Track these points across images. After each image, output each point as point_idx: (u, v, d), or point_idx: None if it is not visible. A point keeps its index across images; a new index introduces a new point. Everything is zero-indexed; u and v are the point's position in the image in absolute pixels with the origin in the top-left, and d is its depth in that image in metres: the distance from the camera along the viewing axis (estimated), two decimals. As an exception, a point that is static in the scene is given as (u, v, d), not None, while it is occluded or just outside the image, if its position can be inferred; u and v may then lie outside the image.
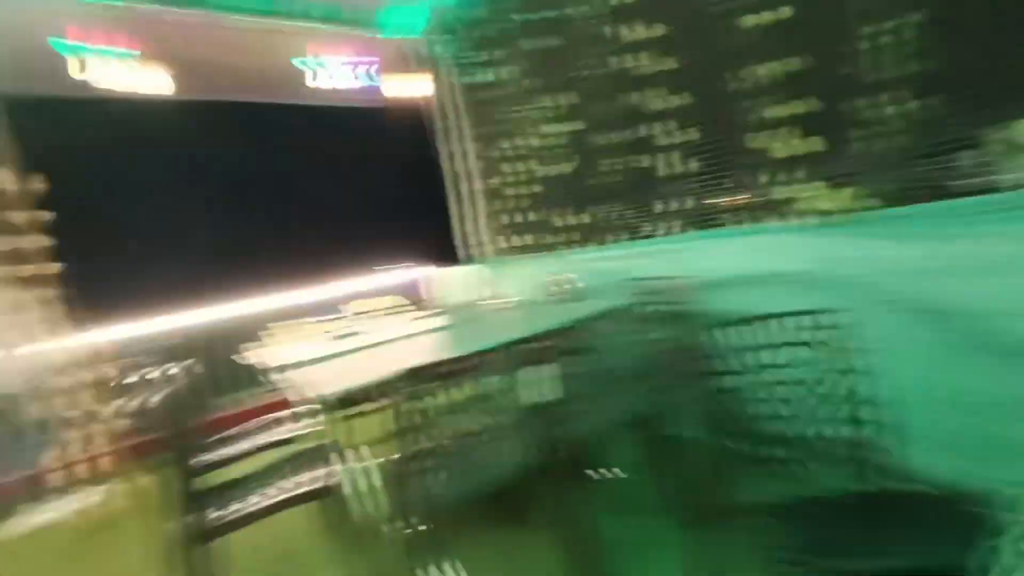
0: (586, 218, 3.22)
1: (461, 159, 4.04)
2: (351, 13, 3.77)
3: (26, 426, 2.69)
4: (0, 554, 2.47)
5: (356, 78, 3.72)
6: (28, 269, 2.68)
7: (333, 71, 3.59)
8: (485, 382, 1.45)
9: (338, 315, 4.15)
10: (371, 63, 3.80)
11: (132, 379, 3.75)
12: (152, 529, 2.48)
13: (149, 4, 3.11)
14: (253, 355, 4.05)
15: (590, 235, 3.22)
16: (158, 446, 1.46)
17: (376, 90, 4.71)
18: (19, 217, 2.65)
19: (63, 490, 2.80)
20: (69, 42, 2.90)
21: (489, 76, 3.65)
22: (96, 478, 2.75)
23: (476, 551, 1.80)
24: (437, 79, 4.05)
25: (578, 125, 3.26)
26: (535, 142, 3.43)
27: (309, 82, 3.62)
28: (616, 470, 2.14)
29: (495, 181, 3.80)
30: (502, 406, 1.51)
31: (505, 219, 3.75)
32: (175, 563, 1.41)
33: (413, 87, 3.71)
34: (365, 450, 2.77)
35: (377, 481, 1.96)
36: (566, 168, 3.32)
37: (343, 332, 2.76)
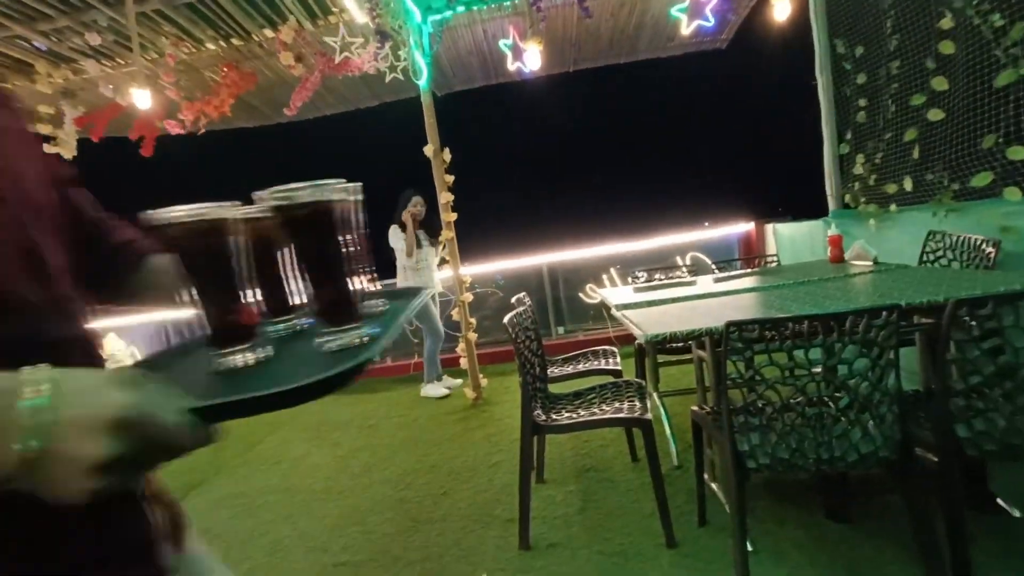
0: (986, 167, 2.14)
1: (830, 97, 3.31)
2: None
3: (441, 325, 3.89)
4: (422, 405, 3.72)
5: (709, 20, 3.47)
6: (445, 218, 3.74)
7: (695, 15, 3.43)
8: (837, 352, 1.22)
9: (674, 264, 4.22)
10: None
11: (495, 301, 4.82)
12: (501, 413, 3.27)
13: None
14: (595, 293, 4.58)
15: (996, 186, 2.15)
16: (510, 355, 1.87)
17: (721, 29, 4.33)
18: (448, 179, 3.70)
19: (459, 373, 3.97)
20: (509, 41, 3.74)
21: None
22: (474, 370, 3.76)
23: (776, 527, 1.61)
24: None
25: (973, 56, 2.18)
26: (925, 80, 2.45)
27: (684, 31, 3.58)
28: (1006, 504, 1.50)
29: (868, 124, 2.95)
30: (856, 383, 1.24)
31: (879, 167, 2.89)
32: (519, 446, 1.80)
33: (776, 15, 3.19)
34: (676, 397, 2.82)
35: (678, 426, 1.97)
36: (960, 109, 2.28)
37: (673, 281, 2.79)
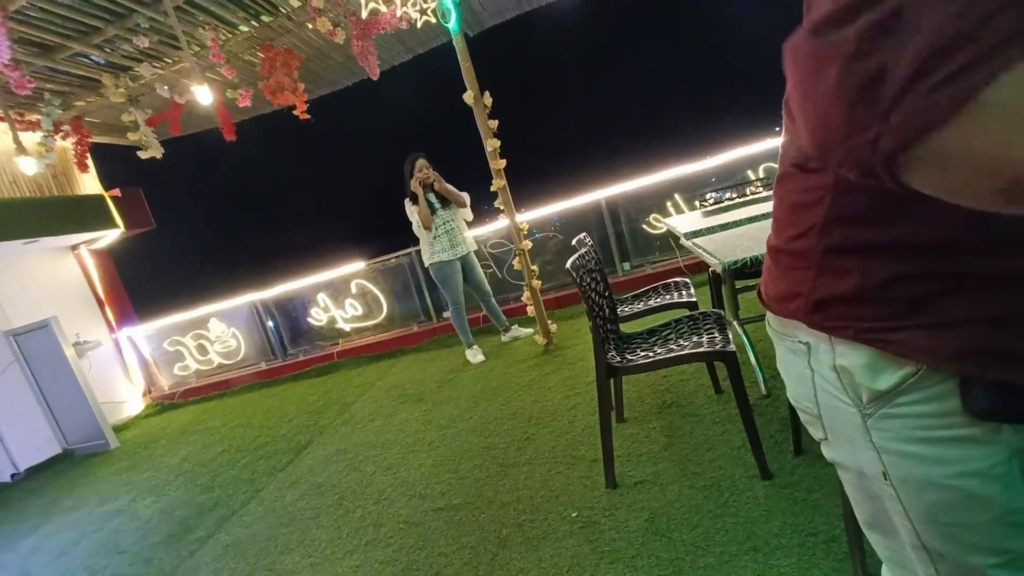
0: None
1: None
2: None
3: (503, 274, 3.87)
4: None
5: None
6: (495, 164, 3.63)
7: None
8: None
9: (746, 180, 3.88)
10: None
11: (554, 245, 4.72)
12: (576, 357, 3.27)
13: None
14: (660, 223, 4.35)
15: None
16: (576, 298, 1.81)
17: None
18: (492, 125, 3.56)
19: (527, 321, 3.99)
20: None
21: None
22: (539, 317, 3.75)
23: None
24: None
25: None
26: None
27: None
28: None
29: None
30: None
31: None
32: (601, 386, 1.77)
33: None
34: (760, 323, 2.66)
35: (764, 353, 1.83)
36: None
37: (747, 198, 2.56)
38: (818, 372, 0.55)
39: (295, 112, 4.19)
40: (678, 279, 2.49)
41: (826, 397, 0.55)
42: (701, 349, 1.66)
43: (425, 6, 3.55)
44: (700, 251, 1.71)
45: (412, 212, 3.66)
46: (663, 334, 1.93)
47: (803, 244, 0.53)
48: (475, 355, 3.85)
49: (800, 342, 0.57)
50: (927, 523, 0.50)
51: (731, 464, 1.74)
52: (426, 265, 3.78)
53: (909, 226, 0.44)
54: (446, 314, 5.09)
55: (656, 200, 4.53)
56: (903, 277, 0.46)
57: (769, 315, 0.64)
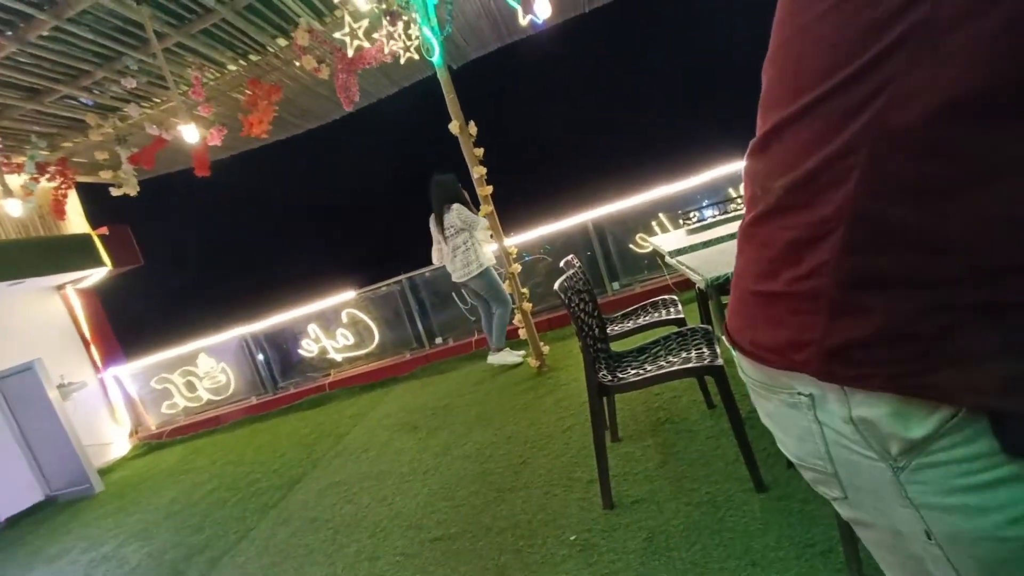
0: None
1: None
2: None
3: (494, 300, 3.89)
4: (488, 381, 3.80)
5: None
6: (483, 191, 3.69)
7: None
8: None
9: (728, 198, 3.97)
10: None
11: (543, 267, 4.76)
12: (568, 379, 3.27)
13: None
14: (646, 242, 4.41)
15: None
16: (567, 319, 1.84)
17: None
18: (477, 153, 3.64)
19: (518, 345, 4.00)
20: None
21: None
22: (531, 339, 3.77)
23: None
24: None
25: None
26: None
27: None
28: None
29: None
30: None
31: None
32: (589, 408, 1.78)
33: None
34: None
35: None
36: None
37: (729, 215, 2.63)
38: (829, 426, 0.49)
39: (259, 133, 4.21)
40: (666, 297, 2.53)
41: (843, 452, 0.49)
42: (690, 365, 1.68)
43: (409, 43, 3.67)
44: (685, 268, 1.75)
45: (476, 218, 3.66)
46: (653, 351, 1.95)
47: (812, 285, 0.47)
48: (510, 355, 3.96)
49: (801, 394, 0.50)
50: None
51: (726, 478, 1.74)
52: (486, 268, 3.75)
53: (938, 251, 0.41)
54: (438, 340, 5.08)
55: (642, 220, 4.62)
56: (934, 310, 0.41)
57: (746, 365, 0.57)
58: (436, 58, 3.42)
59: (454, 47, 4.66)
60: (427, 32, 3.37)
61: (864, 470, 0.47)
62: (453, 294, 4.82)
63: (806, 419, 0.51)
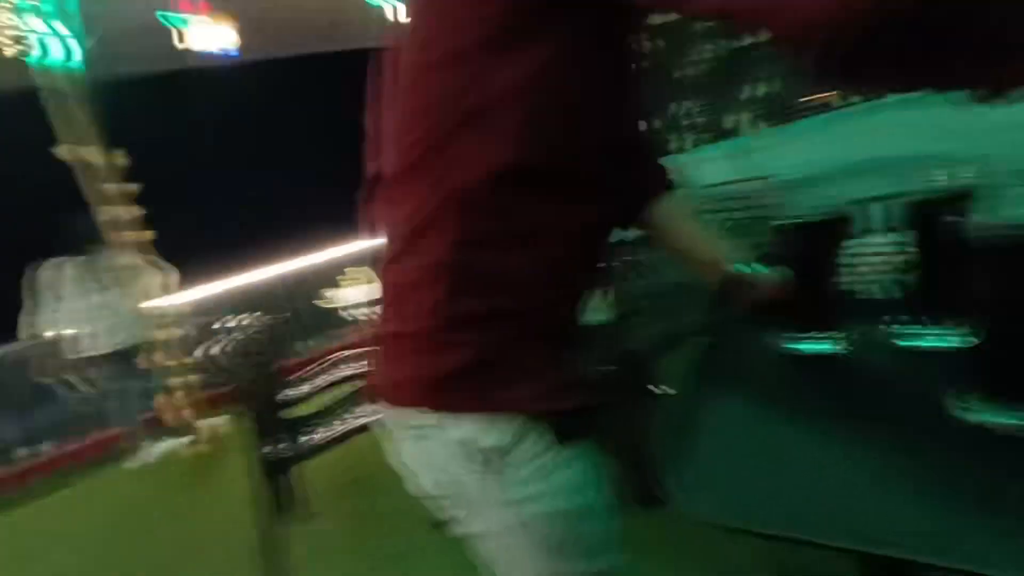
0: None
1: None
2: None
3: (138, 375, 3.04)
4: (126, 482, 2.90)
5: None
6: (127, 236, 2.91)
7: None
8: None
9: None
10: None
11: (212, 332, 4.05)
12: (240, 463, 2.79)
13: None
14: (330, 299, 4.26)
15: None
16: (235, 391, 1.58)
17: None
18: (111, 189, 2.85)
19: (169, 431, 3.14)
20: (173, 14, 2.95)
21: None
22: (192, 420, 3.08)
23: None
24: None
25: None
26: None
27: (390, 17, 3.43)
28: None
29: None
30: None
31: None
32: (262, 491, 1.55)
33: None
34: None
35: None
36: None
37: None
38: (446, 450, 0.54)
39: None
40: (351, 351, 2.47)
41: (459, 472, 0.54)
42: (367, 420, 1.67)
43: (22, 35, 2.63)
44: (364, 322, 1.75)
45: None
46: (336, 411, 1.86)
47: (416, 326, 0.53)
48: None
49: (427, 426, 0.55)
50: (556, 553, 0.54)
51: (415, 525, 1.74)
52: None
53: (509, 292, 0.52)
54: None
55: (330, 275, 4.46)
56: (509, 339, 0.52)
57: (381, 407, 0.61)
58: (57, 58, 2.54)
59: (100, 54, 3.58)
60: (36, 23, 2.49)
61: (474, 484, 0.54)
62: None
63: (431, 448, 0.55)
